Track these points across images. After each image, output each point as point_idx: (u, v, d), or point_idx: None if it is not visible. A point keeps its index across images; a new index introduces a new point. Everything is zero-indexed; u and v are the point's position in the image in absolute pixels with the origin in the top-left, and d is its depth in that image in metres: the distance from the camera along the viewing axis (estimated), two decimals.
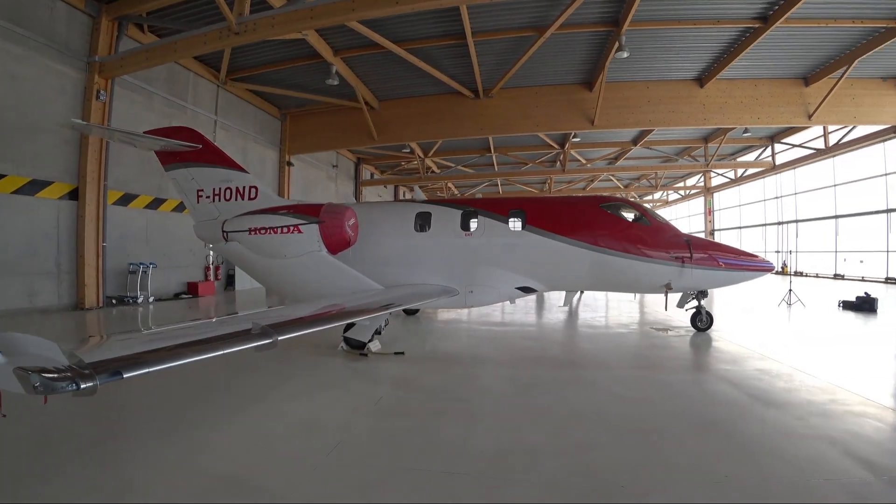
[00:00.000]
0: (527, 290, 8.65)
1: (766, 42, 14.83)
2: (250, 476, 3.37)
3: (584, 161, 30.30)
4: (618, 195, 39.59)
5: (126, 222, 14.30)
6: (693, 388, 5.87)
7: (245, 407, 4.89)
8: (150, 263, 14.29)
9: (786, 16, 13.16)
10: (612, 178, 37.50)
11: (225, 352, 2.94)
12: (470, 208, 8.81)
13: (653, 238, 8.42)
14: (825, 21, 13.98)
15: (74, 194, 12.62)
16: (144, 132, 9.28)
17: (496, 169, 32.62)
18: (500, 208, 8.82)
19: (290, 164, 22.43)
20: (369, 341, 7.36)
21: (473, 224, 8.73)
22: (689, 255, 8.30)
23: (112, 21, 13.02)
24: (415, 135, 21.22)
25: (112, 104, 13.21)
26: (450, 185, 40.24)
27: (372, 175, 34.59)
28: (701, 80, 18.11)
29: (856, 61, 15.81)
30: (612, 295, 15.80)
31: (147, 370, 2.50)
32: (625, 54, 14.38)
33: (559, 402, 5.21)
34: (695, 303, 9.25)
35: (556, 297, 15.32)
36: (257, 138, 20.49)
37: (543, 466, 3.64)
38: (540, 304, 14.10)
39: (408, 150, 27.60)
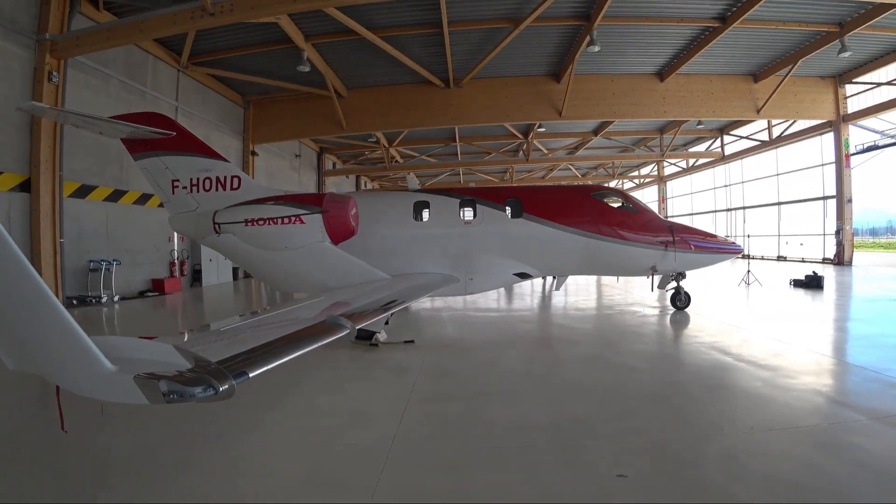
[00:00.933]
0: (523, 276, 8.94)
1: (723, 41, 15.81)
2: (323, 473, 3.31)
3: (545, 151, 31.07)
4: (576, 184, 41.04)
5: (84, 216, 13.29)
6: (692, 358, 6.45)
7: (279, 403, 4.79)
8: (114, 260, 13.40)
9: (743, 17, 14.11)
10: (570, 167, 38.66)
11: (319, 344, 2.92)
12: (468, 197, 8.94)
13: (640, 224, 8.94)
14: (775, 23, 15.11)
15: (26, 186, 11.59)
16: (111, 118, 8.66)
17: (460, 158, 32.81)
18: (497, 197, 9.02)
19: (254, 153, 21.56)
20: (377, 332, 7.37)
21: (473, 213, 8.88)
22: (671, 239, 8.87)
23: None
24: (384, 124, 21.00)
25: (65, 87, 12.18)
26: (412, 174, 39.97)
27: (334, 165, 33.83)
28: (661, 74, 19.08)
29: (799, 61, 17.23)
30: (576, 279, 16.37)
31: (266, 368, 2.41)
32: (596, 48, 14.88)
33: (585, 377, 5.55)
34: (674, 284, 9.89)
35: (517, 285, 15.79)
36: (220, 126, 19.52)
37: (600, 432, 3.94)
38: (510, 290, 14.46)
39: (373, 140, 27.22)
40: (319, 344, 2.98)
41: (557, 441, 3.78)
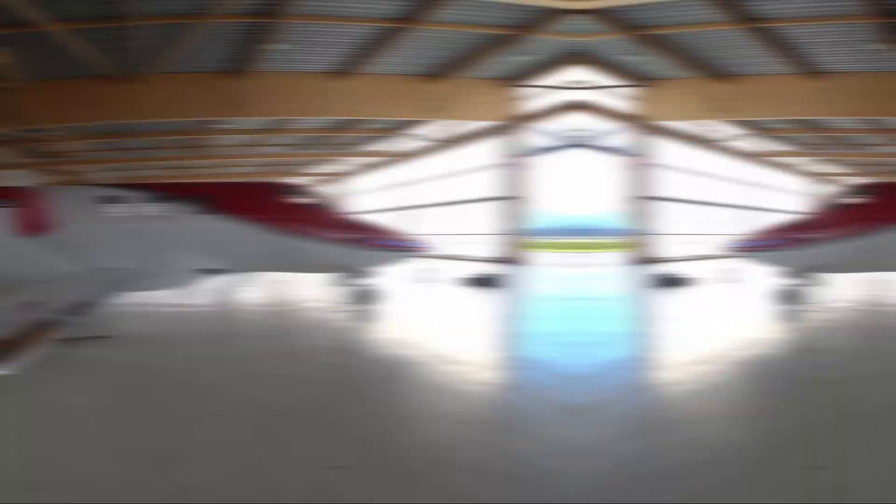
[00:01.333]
0: (212, 271, 9.02)
1: (404, 41, 16.69)
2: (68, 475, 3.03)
3: (225, 146, 29.36)
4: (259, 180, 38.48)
5: None
6: (382, 353, 6.97)
7: None
8: None
9: (424, 19, 15.17)
10: (248, 163, 35.57)
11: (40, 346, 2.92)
12: (160, 192, 8.77)
13: (329, 221, 9.41)
14: (457, 25, 16.36)
15: None
16: None
17: (141, 153, 28.75)
18: (189, 192, 8.96)
19: None
20: None
21: (164, 207, 8.60)
22: (361, 236, 9.50)
23: None
24: (65, 118, 17.65)
25: None
26: (85, 168, 32.69)
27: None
28: (342, 73, 18.80)
29: (477, 63, 18.78)
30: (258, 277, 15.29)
31: None
32: (280, 46, 15.17)
33: (283, 371, 5.70)
34: (359, 281, 9.95)
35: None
36: None
37: (307, 425, 4.11)
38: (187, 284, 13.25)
39: (54, 133, 21.79)
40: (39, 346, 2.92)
41: (268, 433, 3.85)
